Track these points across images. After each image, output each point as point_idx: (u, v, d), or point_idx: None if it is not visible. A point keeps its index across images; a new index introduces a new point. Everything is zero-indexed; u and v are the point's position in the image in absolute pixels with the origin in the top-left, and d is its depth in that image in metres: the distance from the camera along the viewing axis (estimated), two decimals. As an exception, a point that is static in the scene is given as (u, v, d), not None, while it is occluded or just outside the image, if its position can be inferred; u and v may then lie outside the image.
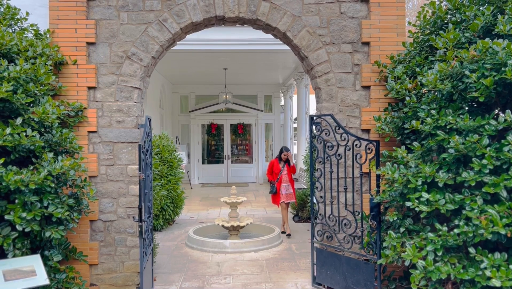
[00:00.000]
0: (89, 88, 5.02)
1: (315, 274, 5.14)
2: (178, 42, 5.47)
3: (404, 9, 5.05)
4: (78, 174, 4.63)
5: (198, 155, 16.60)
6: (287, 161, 8.25)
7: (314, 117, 5.19)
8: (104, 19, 5.05)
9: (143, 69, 5.06)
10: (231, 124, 16.90)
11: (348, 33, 5.10)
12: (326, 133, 5.05)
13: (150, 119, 4.94)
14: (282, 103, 17.57)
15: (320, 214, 5.17)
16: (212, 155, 17.14)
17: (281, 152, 8.29)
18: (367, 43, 5.09)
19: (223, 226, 7.28)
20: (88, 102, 5.02)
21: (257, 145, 16.93)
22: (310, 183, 5.27)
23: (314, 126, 5.19)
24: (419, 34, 4.71)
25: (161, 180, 8.22)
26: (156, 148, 8.24)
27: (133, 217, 4.84)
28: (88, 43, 5.02)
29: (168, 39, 5.09)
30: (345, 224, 4.89)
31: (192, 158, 16.47)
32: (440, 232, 3.59)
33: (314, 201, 5.26)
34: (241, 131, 16.93)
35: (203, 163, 16.80)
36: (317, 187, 5.19)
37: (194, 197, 12.84)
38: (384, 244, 4.09)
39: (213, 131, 16.80)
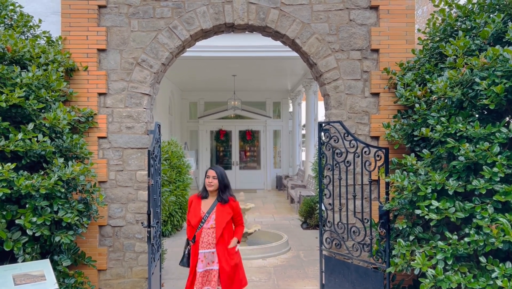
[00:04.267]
0: (100, 94, 5.07)
1: (323, 282, 5.11)
2: (187, 49, 5.51)
3: (413, 16, 5.04)
4: (88, 179, 4.66)
5: (206, 161, 16.64)
6: (221, 198, 4.23)
7: (323, 124, 5.18)
8: (115, 26, 5.11)
9: (153, 75, 5.11)
10: (239, 131, 16.95)
11: (357, 40, 5.10)
12: (335, 140, 5.04)
13: (160, 125, 4.97)
14: (291, 110, 17.58)
15: (328, 221, 5.14)
16: (221, 161, 17.17)
17: (206, 176, 4.33)
18: (376, 50, 5.09)
19: (231, 232, 7.26)
20: (99, 108, 5.07)
21: (265, 151, 16.94)
22: (318, 189, 5.24)
23: (322, 133, 5.18)
24: (429, 41, 4.69)
25: (169, 186, 8.25)
26: (165, 153, 8.29)
27: (141, 223, 4.85)
28: (99, 50, 5.08)
29: (178, 46, 5.13)
30: (353, 231, 4.86)
31: (200, 164, 16.52)
32: (450, 241, 3.56)
33: (323, 208, 5.24)
34: (249, 137, 16.97)
35: (211, 169, 16.83)
36: (325, 194, 5.16)
37: (202, 203, 12.84)
38: (394, 252, 4.05)
39: (221, 138, 16.85)
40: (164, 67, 5.24)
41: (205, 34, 5.28)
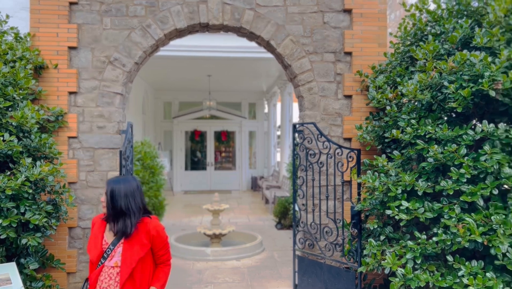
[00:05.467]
0: (70, 93, 4.95)
1: (296, 282, 5.14)
2: (161, 48, 5.45)
3: (385, 20, 5.13)
4: (57, 180, 4.54)
5: (181, 162, 16.50)
6: (117, 229, 2.80)
7: (297, 126, 5.22)
8: (86, 24, 5.00)
9: (125, 74, 5.02)
10: (214, 131, 16.88)
11: (331, 42, 5.17)
12: (308, 141, 5.08)
13: (132, 125, 4.90)
14: (266, 111, 17.63)
15: (302, 222, 5.18)
16: (195, 162, 17.06)
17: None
18: (349, 53, 5.16)
19: (205, 233, 7.23)
20: (69, 107, 4.95)
21: (241, 152, 16.93)
22: (292, 190, 5.28)
23: (296, 134, 5.22)
24: (400, 45, 4.79)
25: (142, 187, 8.13)
26: (138, 154, 8.16)
27: (113, 224, 4.75)
28: (70, 48, 4.96)
29: (151, 45, 5.07)
30: (326, 231, 4.91)
31: (174, 165, 16.37)
32: (419, 240, 3.64)
33: (296, 208, 5.28)
34: (224, 138, 16.92)
35: (186, 169, 16.70)
36: (299, 195, 5.20)
37: (177, 204, 12.73)
38: (365, 252, 4.12)
39: (196, 138, 16.75)
40: (137, 66, 5.17)
41: (180, 33, 5.24)
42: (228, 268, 6.35)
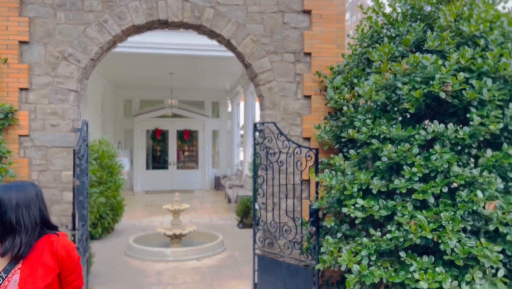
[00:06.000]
0: (21, 89, 4.74)
1: (256, 281, 5.15)
2: (120, 45, 5.32)
3: (343, 21, 5.24)
4: (6, 180, 4.34)
5: (142, 161, 16.18)
6: (5, 249, 2.03)
7: (257, 125, 5.23)
8: (39, 18, 4.80)
9: (80, 71, 4.86)
10: (177, 130, 16.65)
11: (290, 43, 5.21)
12: (269, 141, 5.11)
13: (87, 123, 4.75)
14: (230, 110, 17.59)
15: (262, 221, 5.20)
16: (157, 161, 16.77)
17: None
18: (309, 54, 5.22)
19: (164, 234, 7.12)
20: (20, 104, 4.73)
21: (204, 151, 16.80)
22: (253, 189, 5.28)
23: (257, 134, 5.23)
24: (358, 46, 4.90)
25: (100, 187, 7.91)
26: (95, 153, 7.93)
27: (66, 226, 4.60)
28: (21, 42, 4.75)
29: (108, 41, 4.93)
30: (285, 230, 4.96)
31: (135, 164, 16.03)
32: (374, 237, 3.74)
33: (256, 207, 5.29)
34: (187, 137, 16.74)
35: (147, 169, 16.38)
36: (259, 194, 5.22)
37: (137, 204, 12.47)
38: (322, 250, 4.19)
39: (158, 137, 16.46)
40: (93, 63, 5.01)
41: (138, 29, 5.12)
42: (188, 269, 6.29)
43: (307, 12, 5.22)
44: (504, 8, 4.18)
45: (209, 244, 7.09)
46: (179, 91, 15.49)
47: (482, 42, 3.71)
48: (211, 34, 5.23)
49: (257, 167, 5.30)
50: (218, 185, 16.33)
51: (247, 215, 9.25)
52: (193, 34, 8.80)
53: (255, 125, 5.24)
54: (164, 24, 5.15)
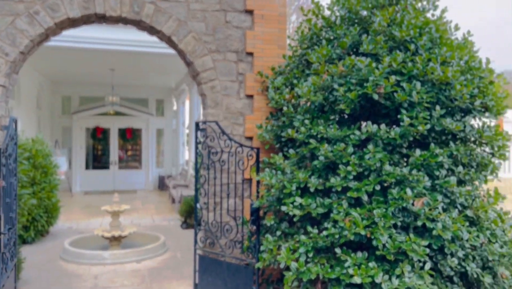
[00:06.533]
0: None
1: (196, 281, 5.10)
2: (55, 38, 5.06)
3: (285, 23, 5.31)
4: None
5: (81, 161, 15.49)
6: None
7: (200, 124, 5.18)
8: (-40, 5, 4.44)
9: (9, 64, 4.55)
10: (119, 129, 16.11)
11: (233, 42, 5.20)
12: (211, 140, 5.07)
13: (16, 120, 4.46)
14: (175, 108, 17.29)
15: (203, 220, 5.15)
16: (98, 161, 16.14)
17: None
18: (251, 54, 5.24)
19: (103, 236, 6.86)
20: None
21: (147, 150, 16.40)
22: (194, 189, 5.22)
23: (199, 133, 5.17)
24: (298, 48, 4.99)
25: (32, 188, 7.47)
26: (27, 152, 7.47)
27: (-9, 230, 4.29)
28: None
29: (40, 34, 4.66)
30: (227, 229, 4.94)
31: (74, 164, 15.32)
32: (311, 235, 3.82)
33: (198, 207, 5.23)
34: (130, 136, 16.24)
35: (87, 168, 15.71)
36: (200, 193, 5.16)
37: (75, 206, 11.93)
38: (262, 248, 4.22)
39: (98, 135, 15.83)
40: (23, 56, 4.72)
41: (73, 23, 4.89)
42: (127, 271, 6.09)
43: (249, 12, 5.24)
44: (433, 15, 4.44)
45: (150, 245, 6.92)
46: (121, 88, 15.01)
47: (412, 47, 3.91)
48: (151, 31, 5.10)
49: (199, 166, 5.24)
50: (162, 185, 16.00)
51: (191, 215, 9.13)
52: (135, 30, 8.58)
53: (197, 124, 5.18)
54: (101, 19, 4.95)
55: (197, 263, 5.11)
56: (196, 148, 5.22)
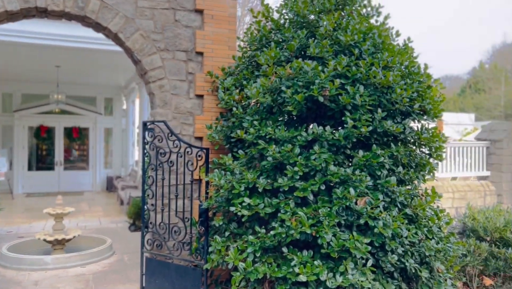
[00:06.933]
0: None
1: (144, 284, 4.99)
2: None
3: (235, 23, 5.32)
4: None
5: (23, 161, 14.70)
6: None
7: (147, 123, 5.07)
8: None
9: None
10: (65, 128, 15.45)
11: (182, 41, 5.14)
12: (159, 140, 4.98)
13: None
14: (125, 107, 16.83)
15: (151, 222, 5.04)
16: (42, 161, 15.39)
17: None
18: (201, 53, 5.20)
19: (45, 240, 6.55)
20: None
21: (95, 150, 15.85)
22: (141, 190, 5.11)
23: (147, 133, 5.06)
24: (247, 49, 5.02)
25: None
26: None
27: None
28: None
29: (-26, 26, 4.38)
30: (175, 231, 4.88)
31: (15, 164, 14.51)
32: (259, 234, 3.86)
33: (146, 209, 5.12)
34: (76, 135, 15.62)
35: (29, 169, 14.92)
36: (148, 195, 5.06)
37: (16, 209, 11.31)
38: (210, 249, 4.21)
39: (42, 135, 15.09)
40: (-46, 50, 4.41)
41: (11, 16, 4.64)
42: (70, 276, 5.85)
43: (199, 12, 5.20)
44: (376, 21, 4.62)
45: (96, 249, 6.69)
46: (68, 86, 14.41)
47: (356, 51, 4.04)
48: (97, 27, 4.94)
49: (147, 167, 5.14)
50: (111, 186, 15.52)
51: (139, 217, 8.91)
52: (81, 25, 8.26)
53: (144, 123, 5.07)
54: (43, 13, 4.73)
55: (144, 265, 5.01)
56: (144, 148, 5.10)
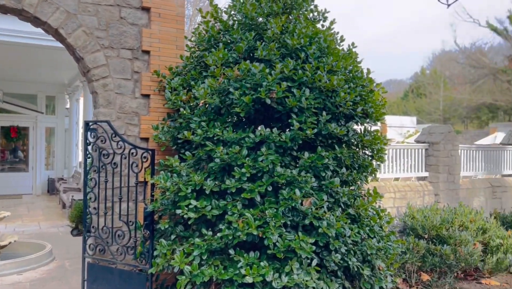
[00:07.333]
0: None
1: (85, 291, 4.79)
2: None
3: (183, 23, 5.24)
4: None
5: (-47, 162, 13.68)
6: None
7: (90, 123, 4.87)
8: None
9: None
10: (2, 127, 14.56)
11: (128, 39, 4.99)
12: (102, 141, 4.80)
13: None
14: (68, 106, 16.11)
15: (93, 226, 4.85)
16: (-25, 162, 14.40)
17: None
18: (147, 52, 5.08)
19: (-23, 247, 6.12)
20: None
21: (35, 151, 15.05)
22: (83, 193, 4.89)
23: (89, 133, 4.86)
24: (196, 49, 4.96)
25: None
26: None
27: None
28: None
29: None
30: (119, 235, 4.72)
31: None
32: (206, 237, 3.82)
33: (88, 212, 4.91)
34: (14, 135, 14.75)
35: (-40, 171, 13.92)
36: (90, 198, 4.86)
37: None
38: (156, 253, 4.11)
39: (-24, 134, 14.14)
40: None
41: None
42: (5, 285, 5.50)
43: (146, 10, 5.07)
44: (322, 26, 4.73)
45: (34, 255, 6.34)
46: (5, 83, 13.60)
47: (303, 55, 4.12)
48: (36, 22, 4.68)
49: (89, 169, 4.93)
50: (52, 188, 14.80)
51: (82, 221, 8.57)
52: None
53: (86, 123, 4.87)
54: (-26, 4, 4.41)
55: (86, 271, 4.80)
56: (86, 149, 4.90)
